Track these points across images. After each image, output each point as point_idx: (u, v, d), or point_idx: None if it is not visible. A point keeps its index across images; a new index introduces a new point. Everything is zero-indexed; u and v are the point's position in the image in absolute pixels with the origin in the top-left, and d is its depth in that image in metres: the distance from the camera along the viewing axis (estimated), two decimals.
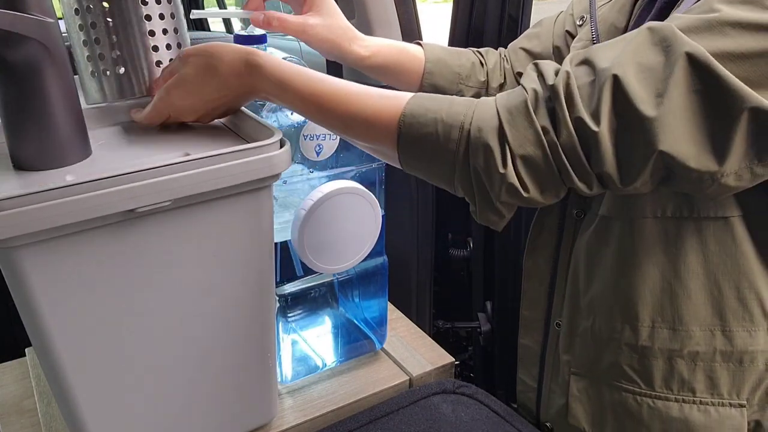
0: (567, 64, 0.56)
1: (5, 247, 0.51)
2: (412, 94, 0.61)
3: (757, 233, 0.63)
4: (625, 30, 0.73)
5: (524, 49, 0.87)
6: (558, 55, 0.84)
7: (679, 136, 0.52)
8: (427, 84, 0.85)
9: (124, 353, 0.62)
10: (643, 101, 0.51)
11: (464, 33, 1.24)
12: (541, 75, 0.57)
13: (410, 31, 1.19)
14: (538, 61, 0.59)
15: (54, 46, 0.55)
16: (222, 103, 0.65)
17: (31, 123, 0.56)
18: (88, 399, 0.61)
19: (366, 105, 0.60)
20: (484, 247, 1.34)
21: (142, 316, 0.61)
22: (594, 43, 0.74)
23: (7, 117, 0.56)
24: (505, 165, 0.55)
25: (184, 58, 0.63)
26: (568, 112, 0.54)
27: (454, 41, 1.26)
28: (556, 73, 0.56)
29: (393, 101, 0.60)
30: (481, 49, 0.91)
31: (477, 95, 0.87)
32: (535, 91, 0.56)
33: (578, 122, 0.53)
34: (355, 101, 0.60)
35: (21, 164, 0.58)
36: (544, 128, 0.55)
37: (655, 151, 0.52)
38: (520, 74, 0.86)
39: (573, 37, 0.82)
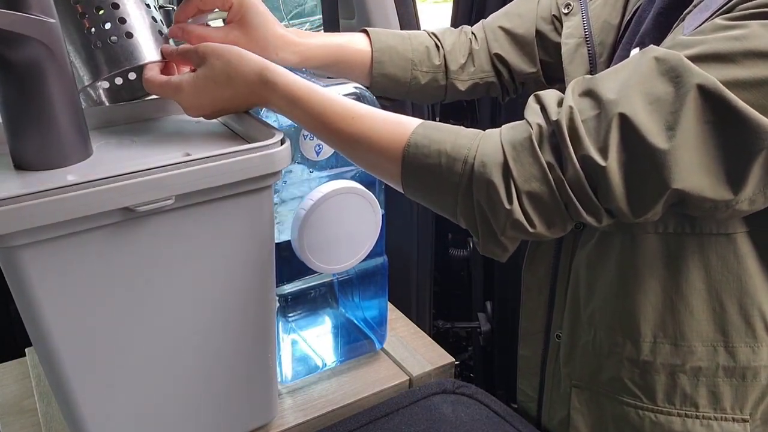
0: (569, 96, 0.55)
1: (7, 247, 0.51)
2: (419, 121, 0.60)
3: (762, 249, 0.62)
4: (619, 27, 0.72)
5: (504, 29, 0.84)
6: (539, 41, 0.82)
7: (693, 170, 0.51)
8: (378, 74, 0.82)
9: (124, 353, 0.62)
10: (653, 134, 0.50)
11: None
12: (543, 108, 0.56)
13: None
14: (539, 92, 0.58)
15: (55, 45, 0.55)
16: (230, 108, 0.66)
17: (32, 123, 0.56)
18: (88, 399, 0.61)
19: (372, 130, 0.60)
20: None
21: (142, 316, 0.61)
22: (587, 41, 0.73)
23: (8, 117, 0.56)
24: (510, 201, 0.54)
25: (202, 55, 0.63)
26: (573, 149, 0.53)
27: None
28: (559, 104, 0.55)
29: (399, 128, 0.60)
30: (437, 30, 0.88)
31: (433, 80, 0.84)
32: (540, 126, 0.55)
33: (584, 159, 0.52)
34: (362, 125, 0.60)
35: (22, 164, 0.58)
36: (549, 164, 0.54)
37: (669, 189, 0.51)
38: (497, 56, 0.84)
39: (560, 21, 0.80)
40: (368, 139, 0.60)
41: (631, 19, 0.70)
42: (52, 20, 0.54)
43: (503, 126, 0.58)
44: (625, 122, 0.51)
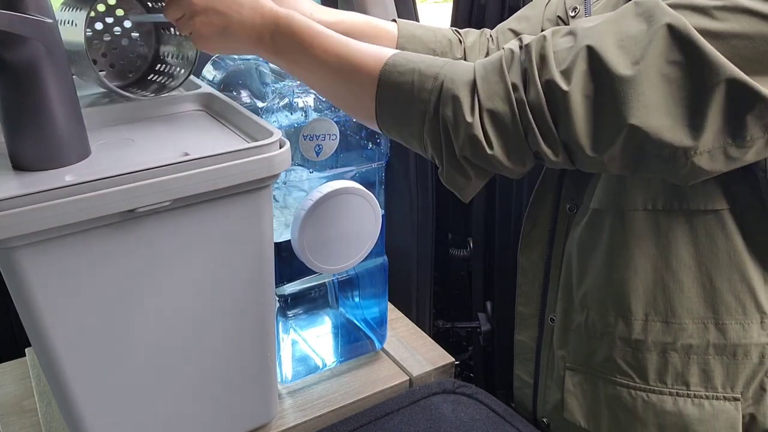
0: (548, 32, 0.57)
1: (5, 248, 0.51)
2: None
3: (746, 226, 0.63)
4: None
5: (512, 30, 0.87)
6: None
7: (653, 107, 0.52)
8: None
9: (123, 353, 0.62)
10: (618, 65, 0.52)
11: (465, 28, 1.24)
12: (519, 40, 0.58)
13: None
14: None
15: (53, 46, 0.55)
16: (227, 16, 0.64)
17: (30, 123, 0.56)
18: (87, 399, 0.61)
19: (357, 50, 0.63)
20: (484, 247, 1.33)
21: (141, 316, 0.61)
22: None
23: (6, 117, 0.56)
24: (472, 114, 0.56)
25: None
26: (539, 72, 0.54)
27: None
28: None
29: (382, 51, 0.62)
30: (460, 29, 0.91)
31: None
32: (512, 51, 0.57)
33: (548, 84, 0.54)
34: (349, 44, 0.63)
35: (20, 164, 0.58)
36: (514, 85, 0.56)
37: (626, 124, 0.52)
38: None
39: (565, 23, 0.81)
40: (352, 58, 0.62)
41: None
42: (50, 20, 0.54)
43: None
44: (593, 53, 0.53)
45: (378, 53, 0.62)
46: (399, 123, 0.62)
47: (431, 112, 0.58)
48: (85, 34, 0.66)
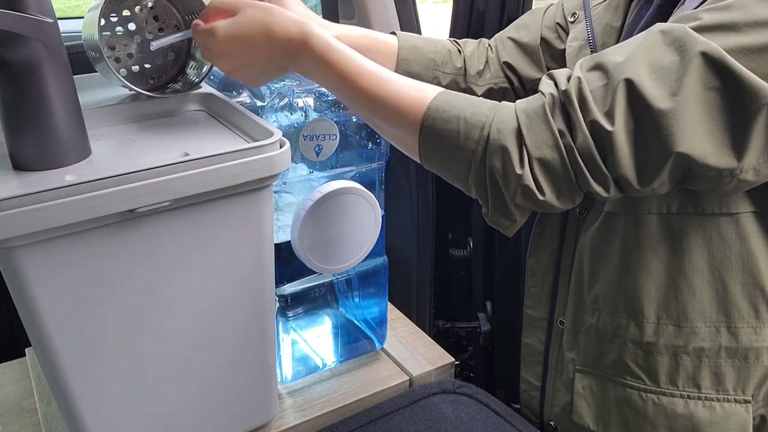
0: (578, 70, 0.57)
1: (5, 248, 0.51)
2: (441, 89, 0.62)
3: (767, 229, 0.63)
4: (621, 29, 0.73)
5: (512, 39, 0.87)
6: (545, 48, 0.84)
7: (696, 134, 0.52)
8: (402, 71, 0.84)
9: (123, 353, 0.62)
10: (658, 99, 0.52)
11: (464, 33, 1.24)
12: (555, 81, 0.58)
13: (410, 32, 1.18)
14: (552, 70, 0.60)
15: (53, 46, 0.55)
16: (258, 64, 0.64)
17: (31, 123, 0.56)
18: (87, 399, 0.61)
19: (398, 91, 0.61)
20: (484, 247, 1.33)
21: (141, 316, 0.61)
22: (590, 43, 0.74)
23: (6, 117, 0.56)
24: (522, 166, 0.56)
25: (243, 7, 0.63)
26: (582, 115, 0.54)
27: None
28: (569, 79, 0.57)
29: (422, 93, 0.61)
30: (459, 40, 0.91)
31: (454, 82, 0.87)
32: (552, 96, 0.57)
33: (593, 125, 0.54)
34: (389, 85, 0.62)
35: (20, 164, 0.58)
36: (560, 131, 0.55)
37: (672, 153, 0.53)
38: (507, 64, 0.86)
39: (564, 30, 0.82)
40: (393, 100, 0.61)
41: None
42: (50, 20, 0.54)
43: (518, 100, 0.60)
44: (631, 88, 0.53)
45: (418, 94, 0.61)
46: (443, 166, 0.62)
47: (477, 161, 0.58)
48: (99, 24, 0.64)
